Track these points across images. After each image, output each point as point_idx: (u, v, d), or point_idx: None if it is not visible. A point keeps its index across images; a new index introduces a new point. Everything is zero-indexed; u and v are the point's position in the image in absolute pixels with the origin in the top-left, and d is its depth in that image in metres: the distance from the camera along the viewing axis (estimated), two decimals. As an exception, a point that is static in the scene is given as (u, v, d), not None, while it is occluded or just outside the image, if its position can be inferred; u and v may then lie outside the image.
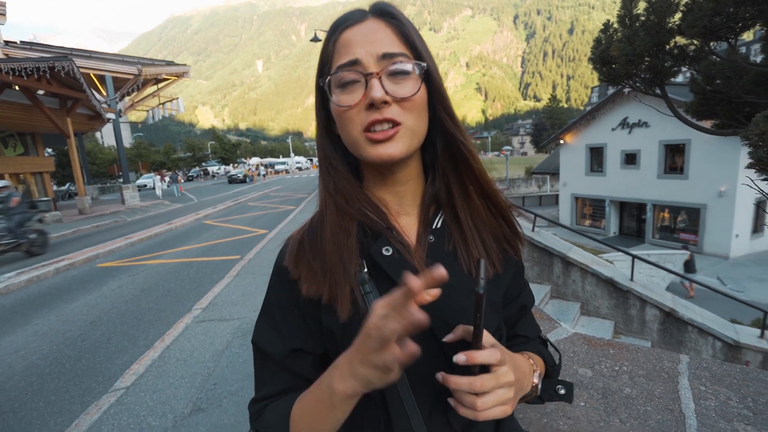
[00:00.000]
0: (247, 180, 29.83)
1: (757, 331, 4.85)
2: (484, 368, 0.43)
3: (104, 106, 15.20)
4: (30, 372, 3.28)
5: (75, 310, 4.68)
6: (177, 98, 21.42)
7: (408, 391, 0.49)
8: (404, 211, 0.56)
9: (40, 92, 11.91)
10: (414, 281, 0.34)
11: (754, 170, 4.77)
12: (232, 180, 29.90)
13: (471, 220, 0.55)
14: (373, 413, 0.51)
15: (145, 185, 30.26)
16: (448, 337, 0.47)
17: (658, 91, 7.54)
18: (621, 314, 5.09)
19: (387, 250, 0.51)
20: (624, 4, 7.26)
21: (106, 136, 39.18)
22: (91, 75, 15.93)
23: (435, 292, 0.38)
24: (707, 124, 7.25)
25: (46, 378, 3.17)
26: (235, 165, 50.83)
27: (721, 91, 6.33)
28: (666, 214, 16.06)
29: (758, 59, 6.80)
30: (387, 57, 0.47)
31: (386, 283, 0.50)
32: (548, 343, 0.68)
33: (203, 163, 48.29)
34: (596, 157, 18.01)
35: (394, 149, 0.49)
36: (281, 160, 54.70)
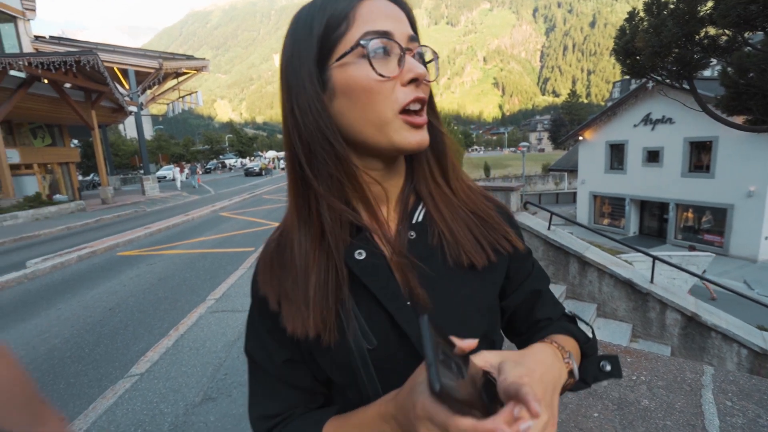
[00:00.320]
0: (264, 173, 30.25)
1: (786, 339, 4.63)
2: (491, 393, 0.34)
3: (126, 99, 15.58)
4: (52, 355, 3.40)
5: (95, 296, 4.83)
6: (196, 92, 21.81)
7: None
8: (385, 207, 0.51)
9: (67, 85, 12.28)
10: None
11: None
12: (249, 173, 30.40)
13: (453, 210, 0.51)
14: None
15: (165, 177, 30.98)
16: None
17: (685, 85, 7.24)
18: (639, 317, 4.94)
19: (360, 254, 0.46)
20: (651, -7, 6.98)
21: (128, 128, 40.22)
22: (115, 69, 16.34)
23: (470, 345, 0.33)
24: (738, 119, 6.92)
25: (67, 361, 3.28)
26: (252, 158, 51.54)
27: (755, 85, 6.01)
28: (690, 214, 15.50)
29: (796, 52, 6.42)
30: (413, 40, 0.46)
31: (362, 292, 0.46)
32: (577, 319, 0.59)
33: (221, 156, 49.13)
34: (616, 154, 17.50)
35: (426, 136, 0.46)
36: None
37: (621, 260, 5.67)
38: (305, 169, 0.45)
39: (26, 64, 9.73)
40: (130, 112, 16.70)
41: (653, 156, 15.88)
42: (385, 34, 0.43)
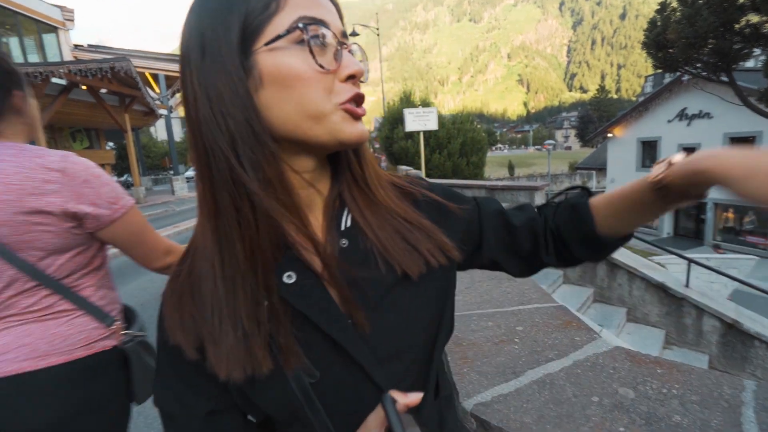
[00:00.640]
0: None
1: (838, 349, 4.29)
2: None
3: (157, 102, 16.23)
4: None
5: (129, 291, 5.04)
6: (222, 95, 22.47)
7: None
8: (313, 215, 0.45)
9: (103, 91, 12.93)
10: None
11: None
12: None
13: (380, 216, 0.46)
14: None
15: (193, 177, 32.07)
16: None
17: (723, 78, 6.83)
18: (673, 323, 4.69)
19: (289, 276, 0.40)
20: (686, -18, 6.61)
21: (159, 130, 41.94)
22: (146, 74, 17.05)
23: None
24: (784, 114, 6.47)
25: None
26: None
27: (803, 77, 5.60)
28: (730, 214, 14.65)
29: None
30: (345, 36, 0.42)
31: (298, 318, 0.40)
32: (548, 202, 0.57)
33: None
34: (649, 151, 16.74)
35: (365, 129, 0.43)
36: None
37: (653, 263, 5.43)
38: (237, 171, 0.36)
39: (66, 71, 10.29)
40: (161, 115, 17.40)
41: (690, 153, 15.09)
42: (322, 23, 0.38)
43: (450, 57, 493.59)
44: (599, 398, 0.96)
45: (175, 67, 17.25)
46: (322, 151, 0.43)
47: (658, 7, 7.06)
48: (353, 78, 0.40)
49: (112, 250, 0.95)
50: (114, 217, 0.84)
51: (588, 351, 1.91)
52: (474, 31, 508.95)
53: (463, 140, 13.28)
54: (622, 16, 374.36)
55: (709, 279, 7.42)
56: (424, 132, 9.85)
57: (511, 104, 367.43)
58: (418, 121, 9.60)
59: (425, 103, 15.41)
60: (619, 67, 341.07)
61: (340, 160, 0.46)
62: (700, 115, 14.38)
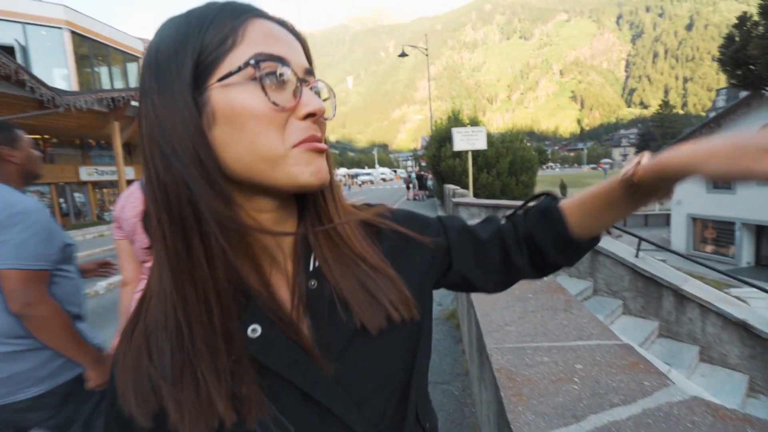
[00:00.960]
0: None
1: None
2: None
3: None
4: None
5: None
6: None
7: None
8: (283, 253, 0.43)
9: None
10: None
11: None
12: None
13: (343, 262, 0.43)
14: None
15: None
16: None
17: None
18: (759, 367, 4.09)
19: (254, 330, 0.38)
20: (769, -10, 5.99)
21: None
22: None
23: None
24: None
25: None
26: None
27: None
28: (827, 244, 12.76)
29: None
30: (309, 73, 0.41)
31: (265, 372, 0.38)
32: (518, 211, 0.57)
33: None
34: (724, 171, 15.18)
35: (326, 167, 0.41)
36: (366, 170, 56.55)
37: (730, 296, 4.82)
38: (188, 210, 0.35)
39: (143, 95, 11.61)
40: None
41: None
42: (280, 60, 0.37)
43: (499, 75, 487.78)
44: (676, 457, 0.83)
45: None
46: (284, 194, 0.41)
47: (736, 21, 6.44)
48: (314, 116, 0.39)
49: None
50: None
51: (660, 399, 1.68)
52: (524, 48, 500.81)
53: (513, 159, 12.88)
54: (689, 27, 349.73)
55: (803, 318, 6.45)
56: (473, 151, 9.72)
57: (564, 121, 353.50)
58: (467, 141, 9.50)
59: (474, 122, 15.23)
60: (686, 80, 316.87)
61: (305, 196, 0.45)
62: (786, 132, 12.86)
